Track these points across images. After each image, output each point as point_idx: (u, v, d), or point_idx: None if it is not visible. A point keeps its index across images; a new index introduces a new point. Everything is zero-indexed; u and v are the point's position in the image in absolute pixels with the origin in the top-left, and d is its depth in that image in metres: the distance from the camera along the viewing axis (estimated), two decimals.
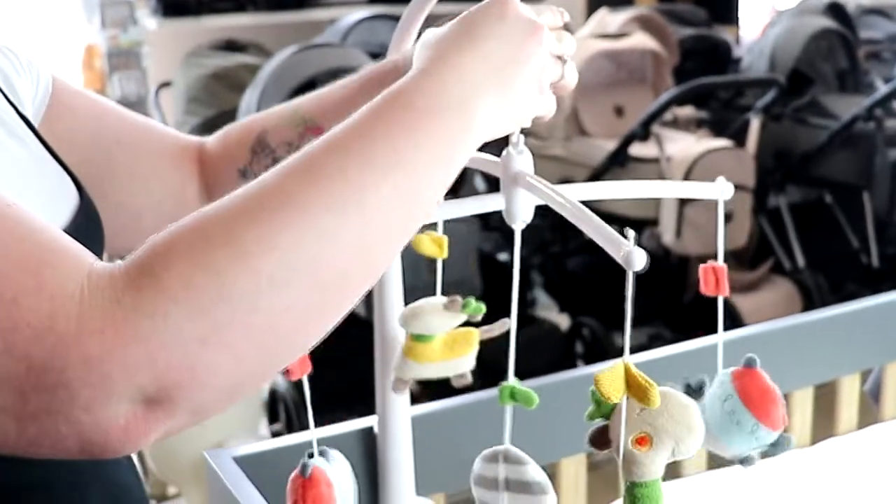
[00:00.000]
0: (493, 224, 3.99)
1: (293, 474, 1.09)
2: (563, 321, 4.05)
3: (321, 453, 1.15)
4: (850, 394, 2.00)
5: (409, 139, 0.80)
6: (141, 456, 3.10)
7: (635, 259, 0.84)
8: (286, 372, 1.08)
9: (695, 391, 1.08)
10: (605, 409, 0.88)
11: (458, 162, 0.85)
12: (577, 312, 4.04)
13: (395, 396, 1.40)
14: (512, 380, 1.09)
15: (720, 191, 1.14)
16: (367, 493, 1.49)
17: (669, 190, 1.03)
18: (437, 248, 1.20)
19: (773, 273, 4.21)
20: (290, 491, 1.08)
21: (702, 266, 1.13)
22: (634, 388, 0.82)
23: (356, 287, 0.77)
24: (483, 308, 1.15)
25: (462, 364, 1.21)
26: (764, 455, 1.09)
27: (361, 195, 0.75)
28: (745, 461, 1.09)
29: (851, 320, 1.95)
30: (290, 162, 0.77)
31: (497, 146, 0.98)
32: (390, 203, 0.78)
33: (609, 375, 0.82)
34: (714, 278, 1.12)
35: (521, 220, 1.05)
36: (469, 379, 1.23)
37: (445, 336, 1.19)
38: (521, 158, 1.03)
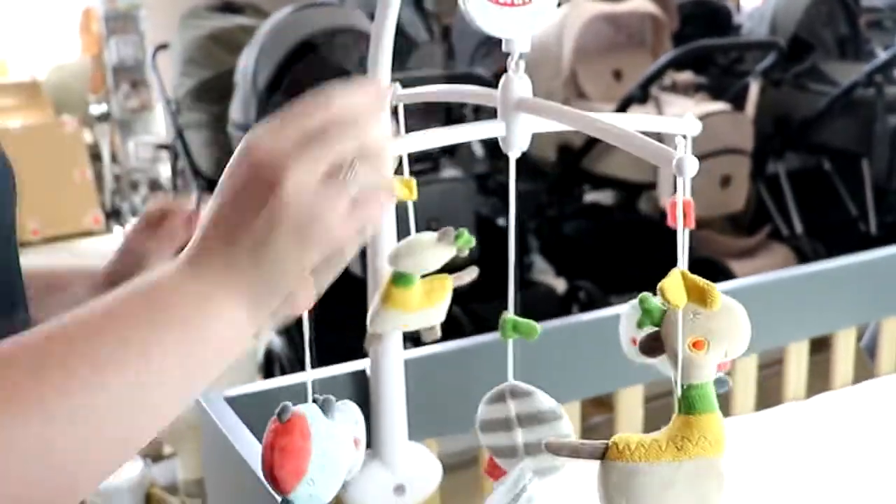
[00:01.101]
0: (492, 187, 3.98)
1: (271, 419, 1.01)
2: (559, 285, 4.03)
3: (322, 402, 1.02)
4: (845, 348, 1.99)
5: (140, 342, 0.70)
6: None
7: (687, 166, 0.83)
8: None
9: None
10: (656, 317, 0.89)
11: (203, 362, 0.75)
12: (573, 276, 4.03)
13: (391, 338, 1.39)
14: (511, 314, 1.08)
15: (688, 127, 1.11)
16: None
17: (640, 123, 1.00)
18: (407, 190, 1.18)
19: (770, 239, 4.19)
20: (265, 435, 0.97)
21: (669, 202, 1.11)
22: (696, 292, 0.84)
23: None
24: (473, 241, 1.13)
25: (436, 314, 1.19)
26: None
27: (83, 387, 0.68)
28: (717, 384, 1.03)
29: (848, 274, 1.94)
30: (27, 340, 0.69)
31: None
32: (108, 401, 0.68)
33: (672, 282, 0.84)
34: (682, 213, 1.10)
35: (518, 147, 1.03)
36: (438, 333, 1.22)
37: (422, 283, 1.17)
38: (521, 83, 1.01)
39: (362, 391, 1.45)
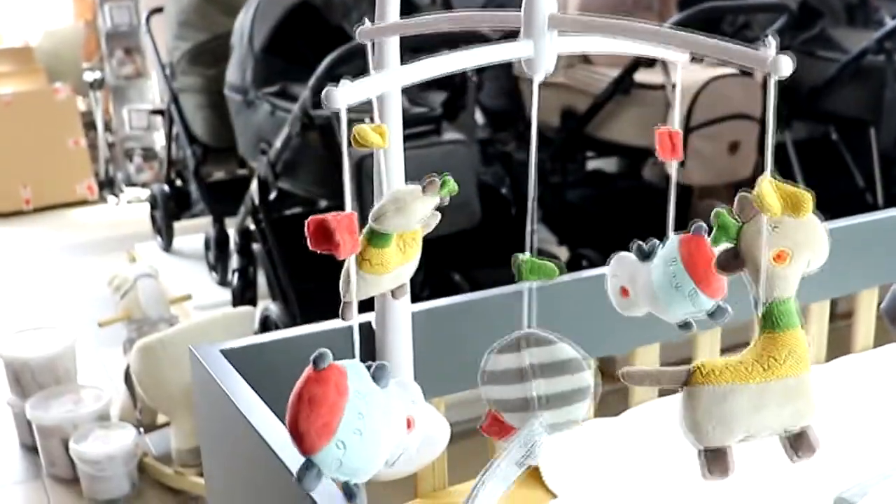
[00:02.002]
0: (493, 155, 3.91)
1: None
2: (562, 254, 3.96)
3: (375, 368, 0.92)
4: (867, 309, 1.91)
5: None
6: (130, 384, 3.03)
7: (783, 65, 0.80)
8: (336, 248, 0.88)
9: (646, 255, 1.12)
10: (732, 233, 0.89)
11: None
12: (576, 245, 3.96)
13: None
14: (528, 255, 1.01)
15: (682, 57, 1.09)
16: None
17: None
18: (378, 137, 1.09)
19: None
20: (299, 380, 0.88)
21: (658, 131, 1.11)
22: (790, 198, 0.83)
23: None
24: (456, 188, 1.05)
25: (410, 270, 1.11)
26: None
27: None
28: (683, 326, 1.13)
29: (870, 231, 1.86)
30: None
31: None
32: None
33: (767, 190, 0.82)
34: (670, 143, 1.10)
35: (544, 70, 0.95)
36: (408, 289, 1.14)
37: (396, 237, 1.10)
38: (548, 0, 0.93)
39: (367, 345, 1.37)
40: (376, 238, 1.06)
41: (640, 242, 1.12)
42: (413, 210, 1.03)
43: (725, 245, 0.89)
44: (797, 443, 0.94)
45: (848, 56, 3.99)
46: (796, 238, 0.88)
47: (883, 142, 4.10)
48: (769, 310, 0.88)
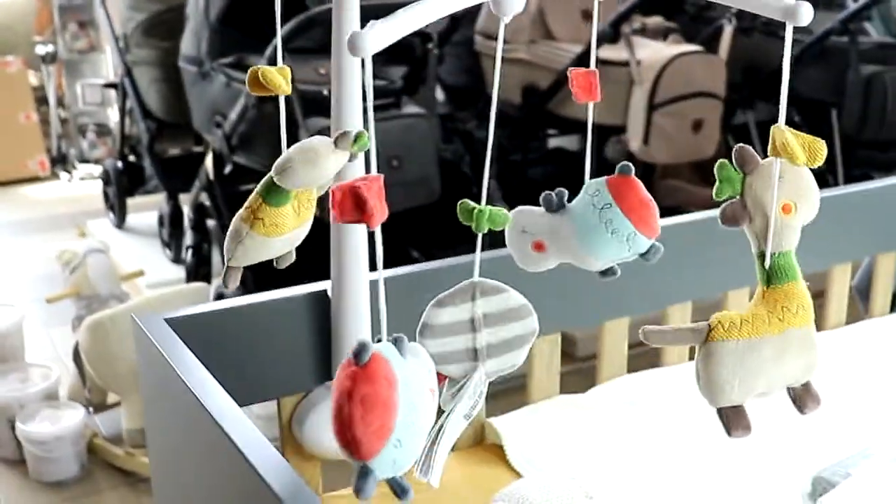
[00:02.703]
0: (454, 132, 3.85)
1: (347, 359, 0.78)
2: None
3: (394, 341, 0.83)
4: (840, 286, 1.87)
5: None
6: (79, 362, 2.95)
7: (803, 12, 0.80)
8: (368, 217, 0.77)
9: (559, 205, 1.08)
10: (736, 185, 0.90)
11: None
12: None
13: (354, 257, 1.24)
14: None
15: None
16: (319, 368, 1.33)
17: None
18: (282, 80, 1.03)
19: None
20: (337, 383, 0.77)
21: (574, 71, 1.06)
22: (808, 145, 0.84)
23: None
24: (369, 143, 0.99)
25: (301, 234, 1.06)
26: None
27: None
28: (606, 274, 1.10)
29: (843, 207, 1.82)
30: None
31: None
32: None
33: (790, 138, 0.84)
34: (587, 82, 1.06)
35: (512, 11, 0.90)
36: (294, 257, 1.08)
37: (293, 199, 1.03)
38: None
39: (322, 314, 1.30)
40: (274, 195, 1.00)
41: (550, 193, 1.08)
42: (324, 163, 0.97)
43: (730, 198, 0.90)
44: (805, 396, 0.95)
45: (811, 37, 3.97)
46: (798, 189, 0.89)
47: (844, 124, 4.09)
48: (775, 262, 0.89)
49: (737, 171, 0.89)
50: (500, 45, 0.91)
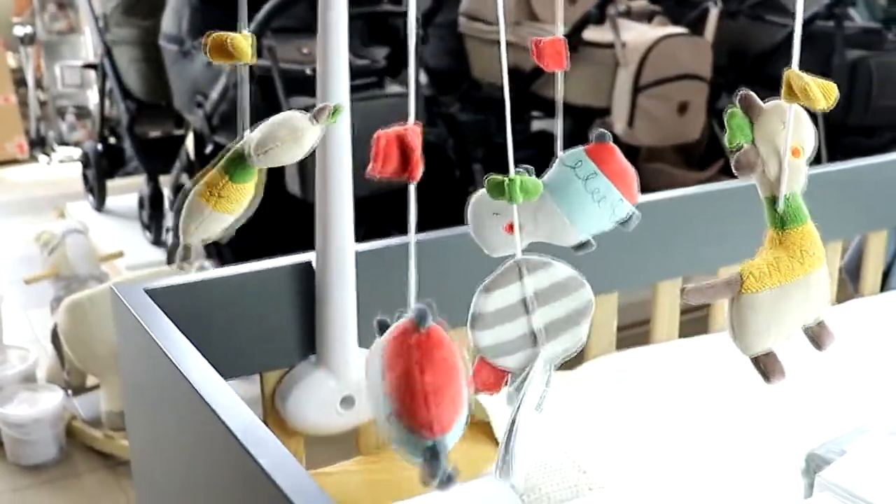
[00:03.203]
0: (438, 115, 3.83)
1: (397, 330, 0.74)
2: None
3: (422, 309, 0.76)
4: (830, 263, 1.85)
5: None
6: (58, 344, 2.91)
7: None
8: (412, 168, 0.77)
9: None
10: (748, 132, 0.91)
11: None
12: None
13: (340, 227, 1.22)
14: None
15: None
16: (303, 342, 1.31)
17: None
18: (249, 48, 1.00)
19: (722, 175, 4.08)
20: (395, 352, 0.71)
21: (536, 41, 1.07)
22: (822, 88, 0.88)
23: None
24: (342, 110, 0.98)
25: (249, 211, 1.04)
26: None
27: None
28: (581, 247, 1.06)
29: (833, 184, 1.80)
30: None
31: None
32: None
33: (809, 80, 0.87)
34: (555, 52, 1.07)
35: None
36: (233, 232, 1.06)
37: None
38: None
39: (307, 287, 1.27)
40: (242, 172, 0.99)
41: (525, 168, 1.04)
42: (308, 139, 0.96)
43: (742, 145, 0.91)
44: (822, 333, 0.97)
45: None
46: (802, 132, 0.92)
47: (830, 109, 4.08)
48: (788, 204, 0.91)
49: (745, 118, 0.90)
50: (499, 25, 0.87)
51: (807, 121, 0.93)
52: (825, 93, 0.86)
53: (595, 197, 1.01)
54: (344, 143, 1.22)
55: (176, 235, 1.06)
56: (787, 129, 0.90)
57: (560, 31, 0.91)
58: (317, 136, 0.97)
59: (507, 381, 0.97)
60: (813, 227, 0.94)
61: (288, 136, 0.95)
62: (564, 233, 1.04)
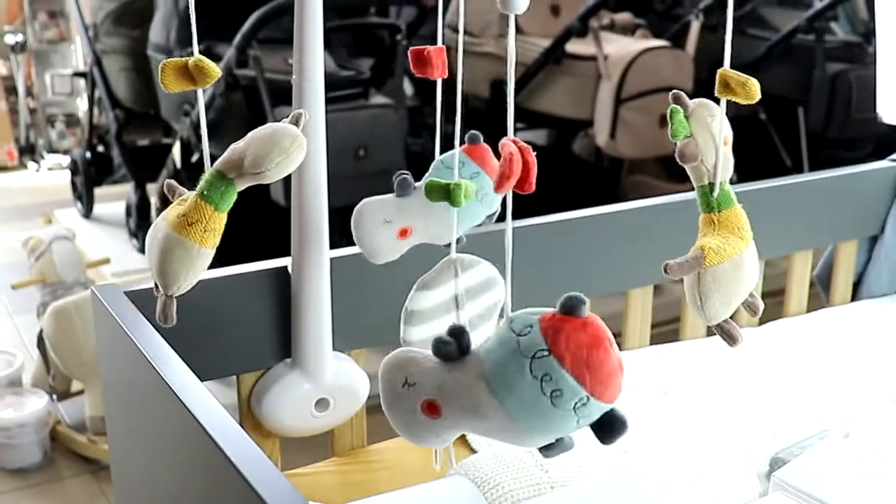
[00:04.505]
0: (423, 125, 3.85)
1: (550, 318, 0.74)
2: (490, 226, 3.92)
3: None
4: (801, 272, 1.89)
5: None
6: (44, 349, 2.93)
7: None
8: (530, 182, 0.82)
9: (409, 187, 1.07)
10: (687, 126, 0.98)
11: None
12: (500, 217, 3.91)
13: (316, 233, 1.25)
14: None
15: None
16: (278, 345, 1.34)
17: None
18: (215, 69, 1.00)
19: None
20: (577, 335, 0.72)
21: (413, 50, 1.06)
22: (749, 84, 0.96)
23: None
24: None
25: None
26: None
27: None
28: (458, 242, 1.06)
29: (804, 194, 1.84)
30: None
31: None
32: None
33: (744, 77, 0.95)
34: (440, 60, 1.07)
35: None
36: None
37: None
38: None
39: (283, 291, 1.31)
40: (226, 198, 0.94)
41: (404, 176, 1.08)
42: (299, 157, 0.94)
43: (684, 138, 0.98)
44: (755, 303, 1.04)
45: (778, 35, 3.99)
46: (724, 126, 0.99)
47: (811, 122, 4.11)
48: (722, 189, 0.98)
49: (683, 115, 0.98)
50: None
51: (722, 112, 0.99)
52: (753, 89, 0.95)
53: (479, 195, 1.06)
54: (320, 151, 1.25)
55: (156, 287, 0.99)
56: (719, 122, 0.97)
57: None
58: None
59: None
60: (741, 209, 1.00)
61: (291, 145, 0.94)
62: (447, 233, 1.08)
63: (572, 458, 1.30)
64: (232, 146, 0.96)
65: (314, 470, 1.42)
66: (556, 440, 0.79)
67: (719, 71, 0.96)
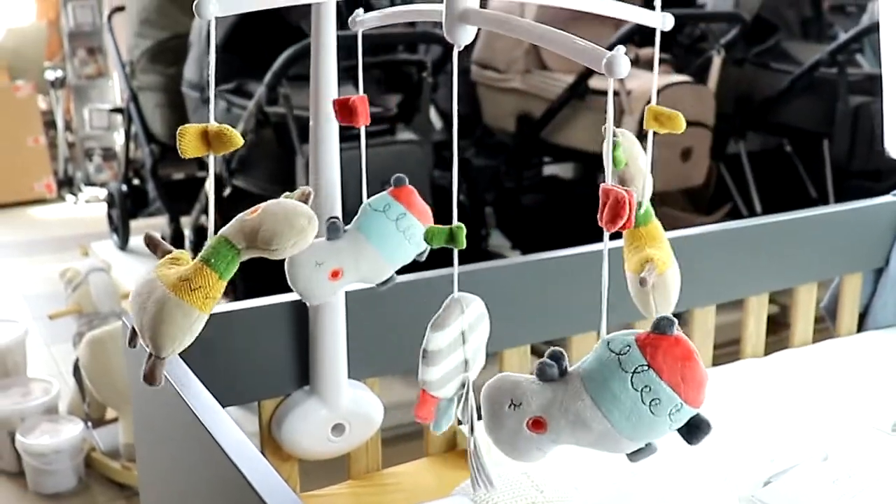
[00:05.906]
0: (451, 159, 3.91)
1: (646, 336, 0.85)
2: (515, 258, 3.97)
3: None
4: (806, 304, 1.94)
5: None
6: (79, 377, 3.01)
7: (619, 64, 0.82)
8: (625, 225, 0.91)
9: (339, 229, 1.12)
10: (622, 159, 1.12)
11: None
12: (529, 249, 3.97)
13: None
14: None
15: (661, 20, 1.14)
16: (297, 373, 1.41)
17: (612, 9, 0.99)
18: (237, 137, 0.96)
19: (729, 219, 4.15)
20: (671, 351, 0.83)
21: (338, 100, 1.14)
22: (675, 117, 1.05)
23: None
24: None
25: None
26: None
27: None
28: (388, 282, 1.16)
29: (810, 227, 1.89)
30: None
31: None
32: None
33: (672, 112, 1.04)
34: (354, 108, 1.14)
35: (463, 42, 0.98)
36: None
37: None
38: None
39: (301, 323, 1.38)
40: (231, 266, 0.92)
41: (333, 220, 1.12)
42: (312, 236, 0.93)
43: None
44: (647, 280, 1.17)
45: (801, 68, 4.03)
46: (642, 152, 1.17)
47: (835, 154, 4.14)
48: (647, 209, 1.15)
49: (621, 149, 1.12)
50: (455, 69, 0.97)
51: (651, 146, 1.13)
52: (678, 121, 1.06)
53: (406, 235, 1.12)
54: (335, 189, 1.32)
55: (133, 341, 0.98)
56: (648, 151, 1.14)
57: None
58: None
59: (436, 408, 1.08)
60: (657, 221, 1.17)
61: (308, 226, 0.92)
62: (381, 272, 1.15)
63: (567, 480, 1.36)
64: (240, 216, 0.95)
65: (331, 492, 1.49)
66: (646, 445, 0.88)
67: (648, 107, 1.07)
